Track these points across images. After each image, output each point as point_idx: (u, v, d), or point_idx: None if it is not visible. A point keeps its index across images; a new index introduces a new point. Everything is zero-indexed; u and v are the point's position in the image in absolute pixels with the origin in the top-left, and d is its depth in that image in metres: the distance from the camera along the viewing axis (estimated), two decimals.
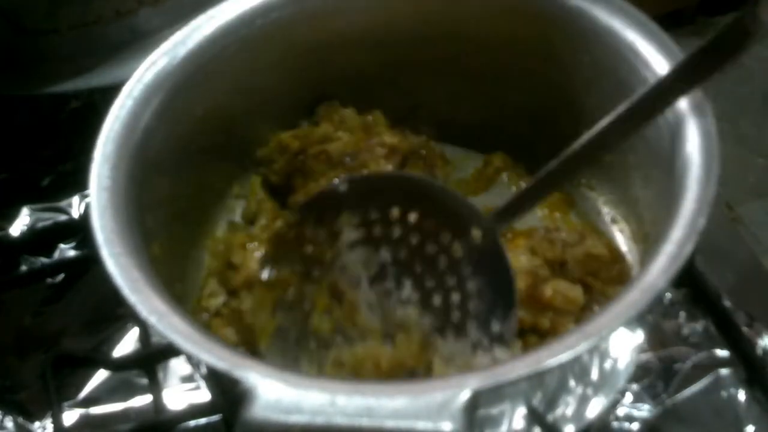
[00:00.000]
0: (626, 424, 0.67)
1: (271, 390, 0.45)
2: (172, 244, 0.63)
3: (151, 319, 0.49)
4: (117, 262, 0.52)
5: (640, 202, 0.66)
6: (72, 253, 0.80)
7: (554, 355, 0.45)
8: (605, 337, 0.47)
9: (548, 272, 0.62)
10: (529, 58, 0.69)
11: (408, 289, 0.62)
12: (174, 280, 0.64)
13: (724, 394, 0.68)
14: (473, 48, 0.70)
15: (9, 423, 0.68)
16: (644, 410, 0.68)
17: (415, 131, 0.74)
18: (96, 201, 0.55)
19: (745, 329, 0.70)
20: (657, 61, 0.59)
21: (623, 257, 0.65)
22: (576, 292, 0.61)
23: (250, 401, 0.44)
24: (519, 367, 0.45)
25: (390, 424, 0.43)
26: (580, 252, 0.64)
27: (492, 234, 0.60)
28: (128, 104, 0.60)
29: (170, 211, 0.64)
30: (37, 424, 0.68)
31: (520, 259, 0.62)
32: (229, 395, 0.49)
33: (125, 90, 0.61)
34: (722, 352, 0.70)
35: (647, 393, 0.68)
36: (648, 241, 0.65)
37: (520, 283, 0.61)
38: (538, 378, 0.48)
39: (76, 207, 0.83)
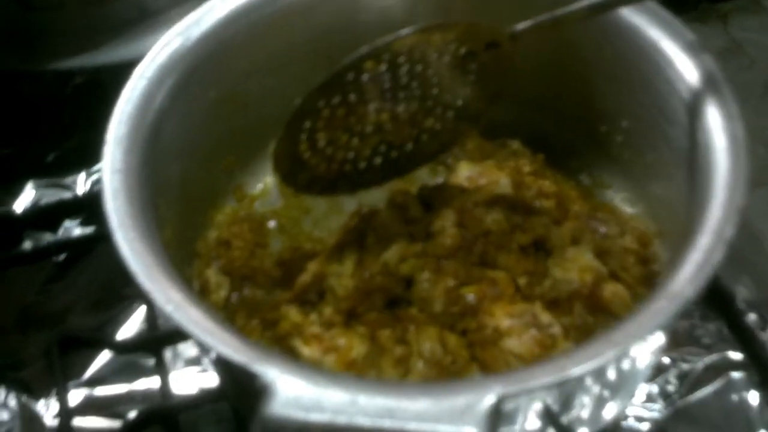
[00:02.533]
0: (636, 424, 0.66)
1: (290, 386, 0.44)
2: (184, 228, 0.62)
3: (167, 308, 0.48)
4: (132, 247, 0.51)
5: (658, 200, 0.65)
6: (78, 230, 0.79)
7: (580, 363, 0.44)
8: (631, 346, 0.46)
9: (608, 273, 0.61)
10: (550, 50, 0.68)
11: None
12: (185, 265, 0.64)
13: (735, 397, 0.67)
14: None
15: (12, 401, 0.67)
16: (655, 410, 0.67)
17: None
18: (109, 184, 0.53)
19: (758, 332, 0.69)
20: (681, 61, 0.58)
21: (656, 257, 0.64)
22: (628, 297, 0.60)
23: (269, 397, 0.43)
24: (545, 373, 0.44)
25: (412, 426, 0.42)
26: (619, 246, 0.63)
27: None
28: (141, 85, 0.59)
29: (182, 194, 0.63)
30: (41, 402, 0.67)
31: (584, 256, 0.61)
32: (245, 388, 0.48)
33: (138, 71, 0.60)
34: (735, 355, 0.69)
35: (658, 393, 0.68)
36: (666, 240, 0.64)
37: (584, 279, 0.60)
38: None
39: (81, 184, 0.81)
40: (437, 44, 0.59)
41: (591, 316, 0.61)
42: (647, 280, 0.63)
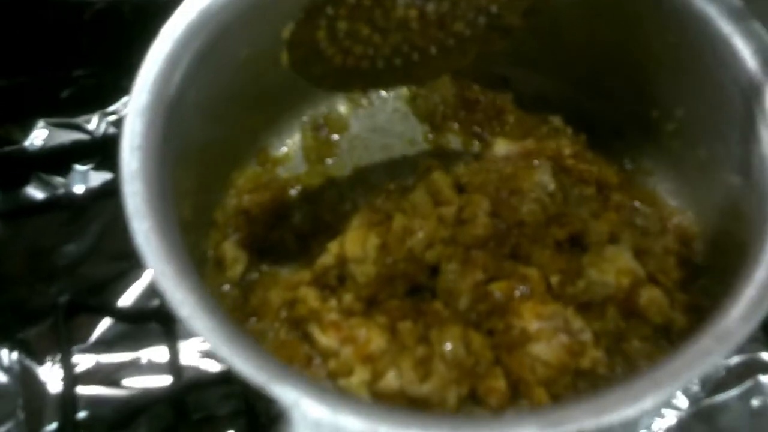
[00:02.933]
0: (659, 421, 0.64)
1: (310, 410, 0.41)
2: (203, 193, 0.59)
3: (182, 312, 0.45)
4: (147, 238, 0.47)
5: (705, 200, 0.62)
6: (91, 175, 0.75)
7: (621, 407, 0.42)
8: (676, 390, 0.43)
9: (646, 276, 0.58)
10: (605, 25, 0.63)
11: None
12: (201, 237, 0.61)
13: (760, 401, 0.65)
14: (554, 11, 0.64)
15: (15, 365, 0.65)
16: (679, 409, 0.65)
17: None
18: (127, 165, 0.50)
19: None
20: (753, 64, 0.54)
21: (696, 259, 0.61)
22: (666, 303, 0.58)
23: (288, 421, 0.41)
24: (584, 414, 0.42)
25: None
26: (659, 245, 0.60)
27: None
28: (167, 48, 0.55)
29: (202, 158, 0.59)
30: (45, 367, 0.65)
31: (623, 256, 0.58)
32: (263, 404, 0.46)
33: (165, 31, 0.55)
34: (766, 355, 0.67)
35: (683, 392, 0.65)
36: (708, 242, 0.61)
37: (620, 282, 0.57)
38: None
39: (95, 125, 0.77)
40: None
41: (624, 321, 0.58)
42: (686, 285, 0.60)
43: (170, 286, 0.46)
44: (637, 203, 0.64)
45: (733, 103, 0.56)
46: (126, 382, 0.65)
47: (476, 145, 0.69)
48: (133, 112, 0.52)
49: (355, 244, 0.58)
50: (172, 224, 0.49)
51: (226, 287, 0.61)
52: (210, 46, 0.57)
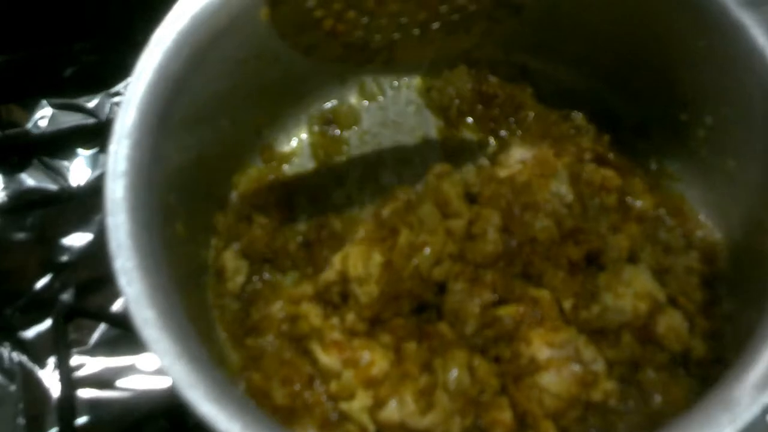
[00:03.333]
0: None
1: None
2: (201, 212, 0.57)
3: (172, 375, 0.43)
4: (130, 283, 0.45)
5: (734, 212, 0.58)
6: (99, 160, 0.73)
7: None
8: None
9: (665, 301, 0.55)
10: (632, 21, 0.58)
11: None
12: (201, 248, 0.59)
13: None
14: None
15: (16, 367, 0.63)
16: None
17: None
18: (111, 194, 0.47)
19: None
20: None
21: (720, 279, 0.57)
22: (685, 330, 0.55)
23: None
24: None
25: None
26: (682, 264, 0.57)
27: None
28: (156, 59, 0.51)
29: (199, 177, 0.57)
30: (48, 369, 0.64)
31: (642, 278, 0.55)
32: None
33: (154, 41, 0.52)
34: None
35: None
36: (733, 258, 0.57)
37: (638, 308, 0.54)
38: None
39: (99, 107, 0.74)
40: None
41: (639, 347, 0.55)
42: (708, 308, 0.56)
43: (151, 335, 0.44)
44: (661, 211, 0.60)
45: (765, 118, 0.52)
46: (126, 384, 0.64)
47: (492, 144, 0.65)
48: (119, 134, 0.49)
49: (358, 262, 0.56)
50: (159, 268, 0.47)
51: (227, 300, 0.58)
52: (202, 52, 0.54)
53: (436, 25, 0.55)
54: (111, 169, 0.48)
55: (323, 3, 0.51)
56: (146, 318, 0.44)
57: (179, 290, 0.52)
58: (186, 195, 0.54)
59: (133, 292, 0.45)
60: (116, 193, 0.47)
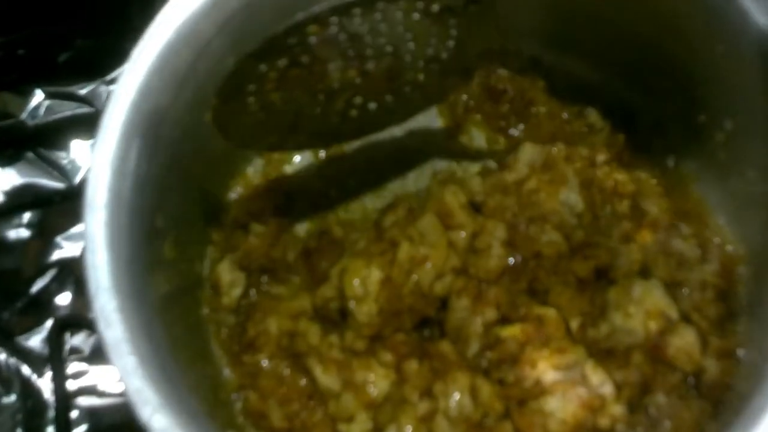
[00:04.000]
0: None
1: None
2: (186, 234, 0.55)
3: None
4: (112, 333, 0.43)
5: (753, 222, 0.55)
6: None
7: None
8: None
9: (678, 317, 0.53)
10: (663, 26, 0.55)
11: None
12: (196, 262, 0.57)
13: None
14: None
15: (14, 377, 0.63)
16: None
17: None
18: (90, 227, 0.45)
19: None
20: None
21: (737, 293, 0.54)
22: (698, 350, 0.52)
23: None
24: None
25: None
26: (696, 277, 0.54)
27: None
28: (140, 77, 0.48)
29: (192, 187, 0.55)
30: (43, 378, 0.63)
31: (653, 295, 0.53)
32: None
33: (135, 57, 0.49)
34: None
35: None
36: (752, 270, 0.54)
37: (648, 328, 0.52)
38: None
39: (95, 95, 0.72)
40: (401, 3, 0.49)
41: (650, 368, 0.52)
42: (723, 324, 0.54)
43: (133, 383, 0.42)
44: (676, 217, 0.57)
45: None
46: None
47: (501, 143, 0.62)
48: (100, 161, 0.47)
49: (356, 279, 0.53)
50: (141, 300, 0.45)
51: (222, 314, 0.57)
52: (191, 62, 0.51)
53: (390, 98, 0.55)
54: (89, 201, 0.46)
55: (272, 112, 0.52)
56: (126, 366, 0.42)
57: (170, 311, 0.50)
58: (175, 212, 0.52)
59: (113, 336, 0.43)
60: (95, 227, 0.45)
